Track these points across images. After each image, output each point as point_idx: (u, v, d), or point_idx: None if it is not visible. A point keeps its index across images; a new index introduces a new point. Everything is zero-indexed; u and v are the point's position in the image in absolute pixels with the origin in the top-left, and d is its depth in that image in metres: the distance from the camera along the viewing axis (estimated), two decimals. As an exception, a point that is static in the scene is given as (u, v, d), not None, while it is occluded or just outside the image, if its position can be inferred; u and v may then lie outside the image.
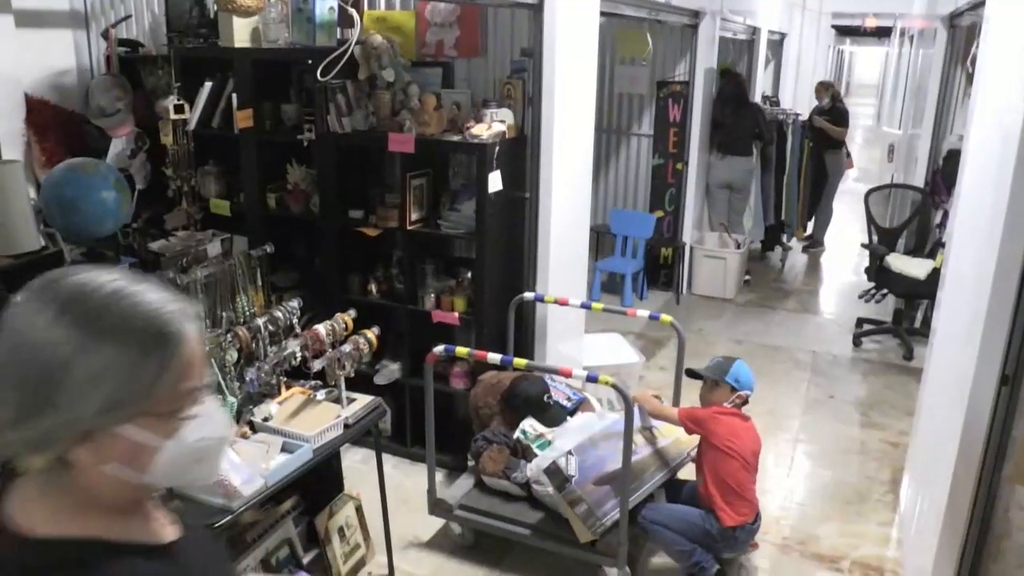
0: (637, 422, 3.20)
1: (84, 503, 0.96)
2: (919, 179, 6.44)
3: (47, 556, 0.92)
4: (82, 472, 0.94)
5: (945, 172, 5.88)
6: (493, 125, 3.53)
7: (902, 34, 10.62)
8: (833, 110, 8.14)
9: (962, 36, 5.93)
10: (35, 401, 0.89)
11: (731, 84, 6.96)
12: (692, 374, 3.31)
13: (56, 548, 0.93)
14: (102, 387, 0.89)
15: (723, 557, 3.16)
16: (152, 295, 0.94)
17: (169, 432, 0.95)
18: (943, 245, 5.17)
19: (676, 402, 3.74)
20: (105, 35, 4.48)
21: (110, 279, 0.93)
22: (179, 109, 3.91)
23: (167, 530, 1.07)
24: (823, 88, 8.36)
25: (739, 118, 6.89)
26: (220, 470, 1.06)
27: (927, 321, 5.76)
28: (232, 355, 2.71)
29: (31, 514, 0.95)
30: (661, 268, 6.98)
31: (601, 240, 6.80)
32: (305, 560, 3.07)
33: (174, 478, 1.03)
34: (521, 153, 3.77)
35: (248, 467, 2.44)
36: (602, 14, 4.11)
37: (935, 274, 5.09)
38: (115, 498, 0.98)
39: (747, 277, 7.21)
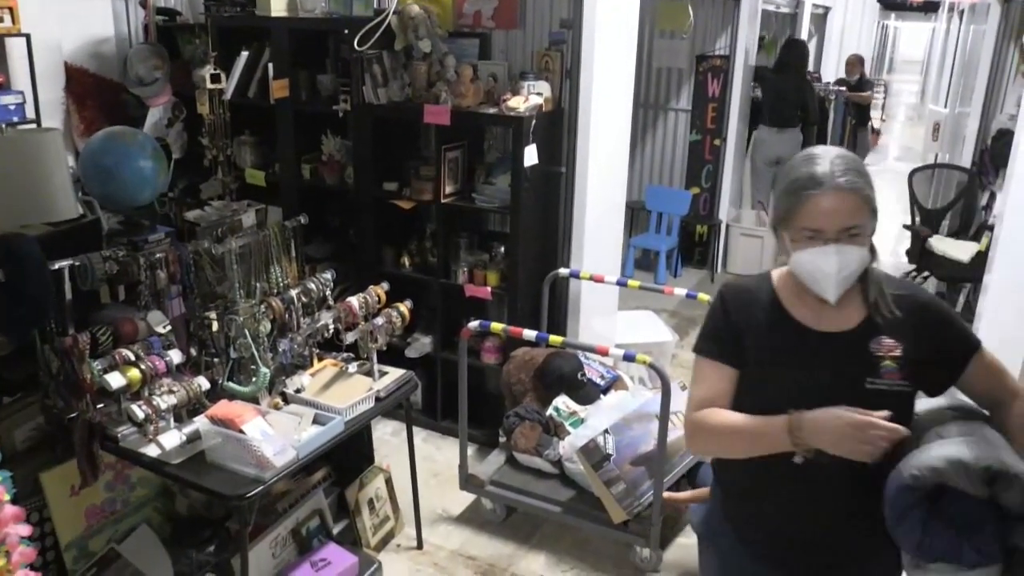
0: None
1: None
2: (965, 159, 6.26)
3: None
4: None
5: (994, 152, 5.71)
6: (530, 98, 3.48)
7: (951, 9, 10.31)
8: (860, 83, 7.99)
9: (1017, 12, 5.74)
10: None
11: (798, 55, 6.79)
12: None
13: None
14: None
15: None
16: None
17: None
18: (990, 227, 5.03)
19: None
20: (143, 3, 4.48)
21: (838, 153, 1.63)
22: (215, 78, 3.90)
23: None
24: (857, 62, 8.15)
25: (799, 91, 6.74)
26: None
27: (969, 306, 5.62)
28: (265, 326, 2.71)
29: None
30: (696, 246, 6.89)
31: (636, 216, 6.72)
32: (335, 530, 3.09)
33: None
34: (558, 127, 3.71)
35: (280, 438, 2.45)
36: (643, -15, 4.00)
37: (980, 257, 4.96)
38: None
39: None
